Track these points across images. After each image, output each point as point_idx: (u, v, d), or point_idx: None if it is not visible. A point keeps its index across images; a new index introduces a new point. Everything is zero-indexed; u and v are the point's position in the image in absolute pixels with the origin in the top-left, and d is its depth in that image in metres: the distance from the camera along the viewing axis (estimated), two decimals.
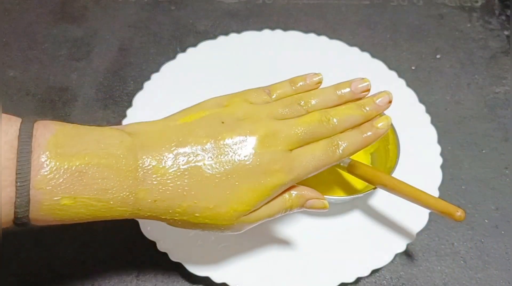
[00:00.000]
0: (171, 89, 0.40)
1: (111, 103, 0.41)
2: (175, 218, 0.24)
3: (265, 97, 0.28)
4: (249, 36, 0.44)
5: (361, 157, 0.36)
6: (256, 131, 0.25)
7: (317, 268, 0.31)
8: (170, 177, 0.24)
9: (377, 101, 0.28)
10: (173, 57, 0.42)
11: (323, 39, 0.43)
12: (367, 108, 0.28)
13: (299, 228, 0.34)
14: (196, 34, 0.45)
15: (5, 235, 0.32)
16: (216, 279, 0.31)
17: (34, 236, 0.33)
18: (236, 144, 0.25)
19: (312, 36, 0.43)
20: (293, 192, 0.27)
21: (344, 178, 0.35)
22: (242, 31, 0.44)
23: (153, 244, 0.32)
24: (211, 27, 0.46)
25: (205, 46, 0.43)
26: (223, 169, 0.24)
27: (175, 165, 0.24)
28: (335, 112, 0.27)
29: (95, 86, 0.42)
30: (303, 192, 0.27)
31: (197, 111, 0.26)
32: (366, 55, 0.42)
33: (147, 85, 0.40)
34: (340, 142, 0.27)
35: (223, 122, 0.25)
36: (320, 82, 0.29)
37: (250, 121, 0.25)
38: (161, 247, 0.32)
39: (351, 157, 0.33)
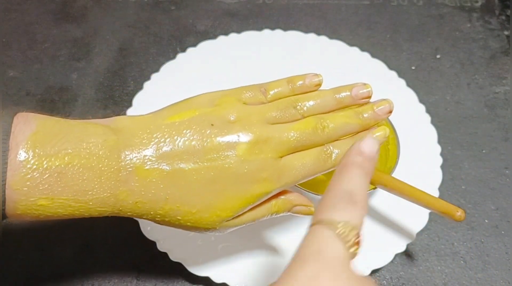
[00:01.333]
0: (171, 89, 0.40)
1: (111, 103, 0.41)
2: (157, 219, 0.24)
3: (260, 97, 0.26)
4: (249, 36, 0.44)
5: None
6: (246, 136, 0.24)
7: None
8: (153, 179, 0.23)
9: (377, 110, 0.27)
10: (173, 57, 0.42)
11: (323, 39, 0.43)
12: (365, 116, 0.26)
13: (299, 228, 0.34)
14: (196, 34, 0.45)
15: (5, 235, 0.32)
16: (216, 279, 0.31)
17: (34, 237, 0.33)
18: (224, 150, 0.24)
19: (312, 36, 0.43)
20: (280, 197, 0.26)
21: None
22: (242, 31, 0.44)
23: (153, 244, 0.32)
24: (211, 27, 0.46)
25: (205, 46, 0.43)
26: (208, 174, 0.23)
27: (158, 168, 0.23)
28: (331, 119, 0.26)
29: (95, 86, 0.42)
30: (290, 197, 0.27)
31: (187, 110, 0.25)
32: (366, 55, 0.42)
33: (147, 85, 0.40)
34: (333, 150, 0.26)
35: (212, 125, 0.24)
36: (319, 84, 0.27)
37: (241, 124, 0.24)
38: (161, 247, 0.32)
39: None
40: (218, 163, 0.23)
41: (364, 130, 0.27)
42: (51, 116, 0.23)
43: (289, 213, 0.27)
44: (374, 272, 0.32)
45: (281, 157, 0.25)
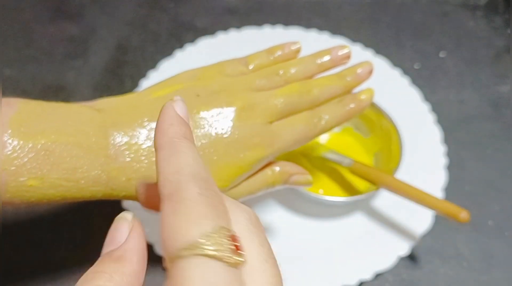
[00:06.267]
0: None
1: None
2: None
3: (242, 68, 0.26)
4: (249, 32, 0.43)
5: (365, 158, 0.35)
6: (233, 103, 0.24)
7: (319, 271, 0.31)
8: (144, 153, 0.22)
9: (358, 71, 0.27)
10: (172, 55, 0.41)
11: (325, 35, 0.43)
12: (348, 79, 0.27)
13: (300, 230, 0.33)
14: (195, 31, 0.45)
15: (0, 235, 0.32)
16: None
17: (30, 237, 0.33)
18: (212, 117, 0.23)
19: (313, 32, 0.43)
20: (276, 168, 0.26)
21: (346, 179, 0.35)
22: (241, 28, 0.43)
23: (151, 246, 0.31)
24: (211, 25, 0.45)
25: (204, 43, 0.42)
26: (199, 143, 0.23)
27: (148, 141, 0.23)
28: (315, 83, 0.26)
29: (93, 85, 0.41)
30: (286, 167, 0.26)
31: (171, 85, 0.25)
32: (369, 53, 0.41)
33: (144, 83, 0.39)
34: (322, 115, 0.26)
35: (198, 95, 0.24)
36: (298, 51, 0.28)
37: (226, 93, 0.24)
38: (158, 250, 0.31)
39: (354, 158, 0.33)
40: (207, 131, 0.23)
41: (348, 92, 0.27)
42: (32, 100, 0.23)
43: (286, 186, 0.27)
44: (376, 274, 0.31)
45: (271, 122, 0.25)
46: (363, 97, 0.27)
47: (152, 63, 0.42)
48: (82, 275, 0.33)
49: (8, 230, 0.33)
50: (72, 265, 0.32)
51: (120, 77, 0.42)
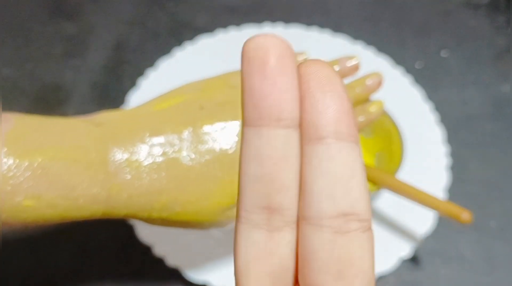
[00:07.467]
0: (168, 85, 0.39)
1: (107, 102, 0.40)
2: (153, 215, 0.22)
3: None
4: (249, 30, 0.42)
5: (366, 158, 0.35)
6: (238, 116, 0.23)
7: None
8: (145, 170, 0.21)
9: (368, 83, 0.27)
10: (171, 54, 0.41)
11: (326, 34, 0.42)
12: (357, 90, 0.26)
13: None
14: (194, 30, 0.44)
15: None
16: (216, 284, 0.30)
17: (28, 242, 0.33)
18: (216, 132, 0.22)
19: (314, 31, 0.42)
20: None
21: None
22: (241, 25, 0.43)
23: (150, 248, 0.31)
24: (210, 23, 0.45)
25: (203, 41, 0.42)
26: (203, 159, 0.22)
27: (150, 157, 0.22)
28: None
29: (91, 84, 0.41)
30: None
31: (173, 97, 0.24)
32: (370, 52, 0.41)
33: (143, 82, 0.39)
34: None
35: (202, 108, 0.23)
36: None
37: (231, 106, 0.23)
38: (157, 251, 0.31)
39: None
40: (211, 146, 0.22)
41: (358, 104, 0.27)
42: (28, 114, 0.22)
43: None
44: (377, 276, 0.31)
45: None
46: (372, 109, 0.27)
47: (151, 62, 0.41)
48: (81, 281, 0.32)
49: (7, 236, 0.33)
50: (71, 272, 0.32)
51: (118, 76, 0.41)
